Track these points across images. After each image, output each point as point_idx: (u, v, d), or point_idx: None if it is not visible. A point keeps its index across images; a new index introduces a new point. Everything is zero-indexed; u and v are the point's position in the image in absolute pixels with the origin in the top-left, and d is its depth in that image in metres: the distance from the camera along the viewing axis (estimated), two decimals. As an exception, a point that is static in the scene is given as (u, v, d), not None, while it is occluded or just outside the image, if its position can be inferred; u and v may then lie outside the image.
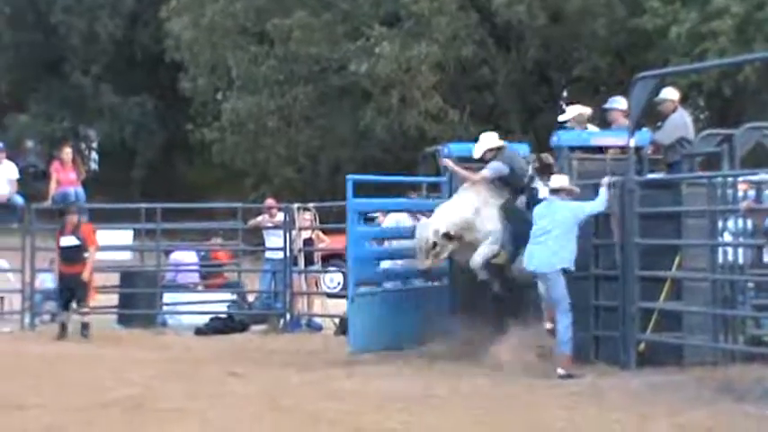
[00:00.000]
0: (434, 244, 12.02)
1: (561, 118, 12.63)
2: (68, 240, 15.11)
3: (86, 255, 15.12)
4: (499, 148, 12.53)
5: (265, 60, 29.47)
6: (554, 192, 11.52)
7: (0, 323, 16.67)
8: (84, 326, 14.94)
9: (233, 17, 29.90)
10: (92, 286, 15.26)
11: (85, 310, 15.00)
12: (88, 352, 13.57)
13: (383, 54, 27.08)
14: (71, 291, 15.06)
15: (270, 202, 18.24)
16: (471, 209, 12.24)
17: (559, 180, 11.61)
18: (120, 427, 8.67)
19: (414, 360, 12.08)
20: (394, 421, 8.86)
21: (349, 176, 13.06)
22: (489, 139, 12.63)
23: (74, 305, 15.15)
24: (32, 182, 29.67)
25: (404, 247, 13.45)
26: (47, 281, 17.04)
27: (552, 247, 11.19)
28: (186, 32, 30.17)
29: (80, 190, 17.23)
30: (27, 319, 16.19)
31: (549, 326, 11.36)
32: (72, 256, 15.11)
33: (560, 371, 10.91)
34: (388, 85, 27.81)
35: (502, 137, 13.13)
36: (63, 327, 15.00)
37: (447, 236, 12.05)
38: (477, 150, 12.56)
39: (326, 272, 19.54)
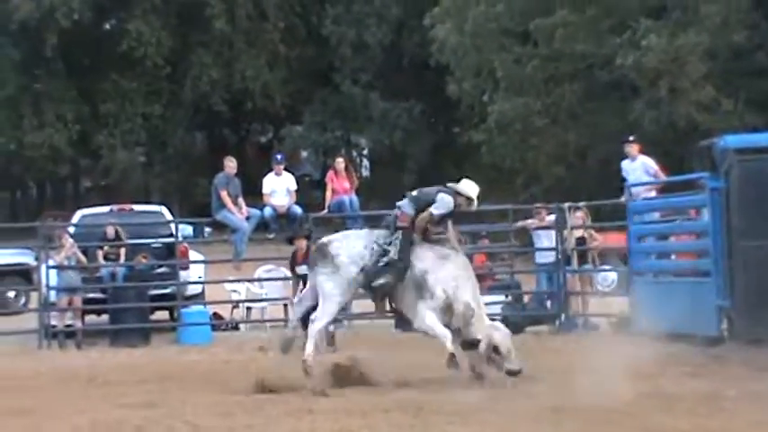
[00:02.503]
0: None
1: None
2: (303, 269, 14.81)
3: None
4: None
5: (530, 60, 29.37)
6: None
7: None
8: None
9: (495, 20, 29.98)
10: None
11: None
12: (365, 356, 13.82)
13: (650, 46, 26.48)
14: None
15: (539, 206, 18.18)
16: None
17: None
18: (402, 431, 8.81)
19: (700, 359, 11.74)
20: (683, 422, 8.64)
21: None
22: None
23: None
24: (309, 190, 30.80)
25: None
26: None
27: None
28: (451, 37, 30.49)
29: (354, 198, 17.71)
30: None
31: None
32: None
33: None
34: (657, 76, 27.14)
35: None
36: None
37: None
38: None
39: (600, 270, 19.25)
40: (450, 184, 11.90)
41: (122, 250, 17.24)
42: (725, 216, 13.01)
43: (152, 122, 36.59)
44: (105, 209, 18.97)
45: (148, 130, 36.59)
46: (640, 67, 26.91)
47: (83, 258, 16.86)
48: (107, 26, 38.02)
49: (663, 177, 16.22)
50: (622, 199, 16.00)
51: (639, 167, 16.17)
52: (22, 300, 20.08)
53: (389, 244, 11.24)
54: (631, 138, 16.82)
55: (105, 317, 17.41)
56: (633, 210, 15.50)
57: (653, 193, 15.86)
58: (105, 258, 17.23)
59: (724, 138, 13.36)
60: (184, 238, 17.89)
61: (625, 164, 16.39)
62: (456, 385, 10.83)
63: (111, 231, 17.23)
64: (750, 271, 12.57)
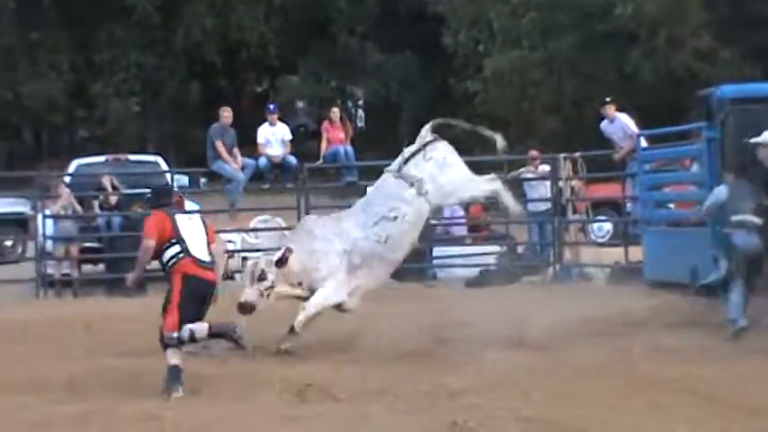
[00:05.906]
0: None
1: None
2: None
3: None
4: None
5: (526, 11, 29.19)
6: None
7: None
8: None
9: (515, -30, 29.74)
10: None
11: None
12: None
13: (650, -6, 26.40)
14: None
15: (533, 153, 18.17)
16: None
17: None
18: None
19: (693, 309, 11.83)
20: (674, 371, 8.72)
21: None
22: None
23: None
24: (304, 141, 30.72)
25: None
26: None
27: None
28: (447, -13, 30.34)
29: (349, 148, 17.69)
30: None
31: None
32: None
33: None
34: (655, 25, 27.02)
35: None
36: None
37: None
38: None
39: (595, 221, 19.30)
40: None
41: (117, 199, 17.22)
42: (720, 166, 13.01)
43: (146, 72, 36.40)
44: (101, 158, 18.94)
45: (143, 80, 36.40)
46: (639, 15, 26.77)
47: (79, 208, 16.86)
48: (101, -25, 37.63)
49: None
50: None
51: (618, 128, 16.28)
52: (19, 249, 20.11)
53: None
54: (608, 99, 16.86)
55: (102, 266, 17.45)
56: (643, 159, 15.33)
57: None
58: (101, 208, 17.22)
59: (721, 87, 13.32)
60: (180, 188, 17.87)
61: (604, 125, 16.53)
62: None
63: (106, 181, 17.22)
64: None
